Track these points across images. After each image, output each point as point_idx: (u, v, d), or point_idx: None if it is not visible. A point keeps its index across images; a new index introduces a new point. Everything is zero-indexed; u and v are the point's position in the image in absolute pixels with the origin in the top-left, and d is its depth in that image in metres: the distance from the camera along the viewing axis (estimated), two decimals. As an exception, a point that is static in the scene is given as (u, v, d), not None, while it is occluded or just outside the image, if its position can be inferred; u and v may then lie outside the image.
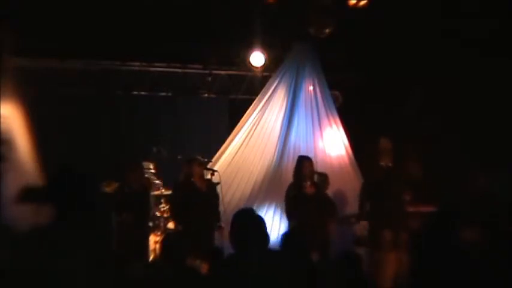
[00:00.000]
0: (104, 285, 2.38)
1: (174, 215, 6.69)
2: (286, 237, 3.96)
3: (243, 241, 3.25)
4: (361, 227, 6.37)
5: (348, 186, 7.25)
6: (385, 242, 6.05)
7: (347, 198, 7.04)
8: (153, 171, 7.49)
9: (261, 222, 3.35)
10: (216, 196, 6.53)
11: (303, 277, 3.21)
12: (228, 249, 5.65)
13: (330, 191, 6.80)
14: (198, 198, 6.27)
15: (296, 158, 6.74)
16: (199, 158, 6.65)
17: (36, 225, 2.32)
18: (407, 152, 6.36)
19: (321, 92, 8.08)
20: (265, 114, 7.99)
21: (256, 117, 7.99)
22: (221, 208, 6.56)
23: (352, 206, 7.01)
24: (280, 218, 6.95)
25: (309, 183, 6.28)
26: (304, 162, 6.33)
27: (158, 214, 7.27)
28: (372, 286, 4.27)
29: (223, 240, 6.15)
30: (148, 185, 7.04)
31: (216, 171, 6.74)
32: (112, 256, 2.46)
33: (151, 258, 6.74)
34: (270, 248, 3.40)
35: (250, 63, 8.25)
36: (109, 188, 6.85)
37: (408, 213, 6.13)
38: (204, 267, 5.17)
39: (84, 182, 2.41)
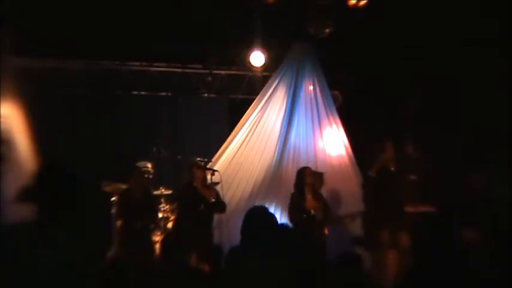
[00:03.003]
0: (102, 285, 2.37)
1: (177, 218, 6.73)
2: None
3: (255, 237, 3.28)
4: None
5: (347, 186, 7.25)
6: (385, 242, 6.06)
7: (347, 198, 7.05)
8: (151, 170, 7.46)
9: (273, 219, 3.39)
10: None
11: (307, 275, 3.22)
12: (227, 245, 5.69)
13: (329, 191, 6.80)
14: (198, 201, 6.28)
15: (296, 157, 6.74)
16: (199, 161, 6.65)
17: (24, 224, 2.31)
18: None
19: (321, 92, 8.08)
20: (265, 114, 7.99)
21: (256, 117, 7.98)
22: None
23: (351, 206, 7.02)
24: (280, 218, 6.95)
25: (310, 196, 6.28)
26: (304, 173, 6.34)
27: (158, 214, 7.26)
28: (372, 286, 4.27)
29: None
30: (150, 188, 7.03)
31: (216, 171, 6.74)
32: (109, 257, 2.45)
33: (151, 258, 6.73)
34: (279, 244, 3.42)
35: (250, 63, 8.25)
36: (109, 188, 6.85)
37: (408, 213, 6.14)
38: (204, 267, 5.18)
39: (71, 180, 2.39)
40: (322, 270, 3.48)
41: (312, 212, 6.22)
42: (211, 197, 6.38)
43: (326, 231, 6.35)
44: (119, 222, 6.46)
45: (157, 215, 6.90)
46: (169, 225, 7.12)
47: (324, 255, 5.84)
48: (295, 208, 6.22)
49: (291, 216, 6.31)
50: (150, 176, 7.33)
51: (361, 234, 7.00)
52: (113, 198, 6.88)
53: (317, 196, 6.33)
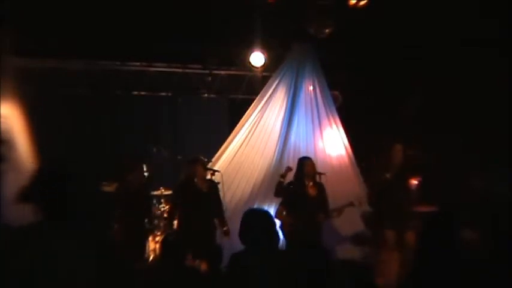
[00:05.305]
0: (102, 285, 2.37)
1: (171, 215, 6.67)
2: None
3: (254, 239, 3.27)
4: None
5: (347, 186, 7.25)
6: (388, 241, 6.07)
7: (347, 198, 7.03)
8: (146, 173, 7.41)
9: (272, 221, 3.39)
10: (217, 196, 6.49)
11: (310, 276, 3.22)
12: (229, 249, 5.68)
13: (329, 191, 6.78)
14: (198, 199, 6.25)
15: (296, 157, 6.73)
16: (202, 158, 6.62)
17: (28, 225, 2.31)
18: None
19: (321, 92, 8.09)
20: (265, 114, 8.00)
21: (256, 117, 7.99)
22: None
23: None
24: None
25: (311, 183, 6.27)
26: (305, 162, 6.32)
27: (158, 214, 7.25)
28: (374, 285, 4.26)
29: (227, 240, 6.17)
30: (148, 185, 7.02)
31: (218, 171, 6.70)
32: (111, 256, 2.45)
33: (151, 258, 6.73)
34: (279, 247, 3.43)
35: (250, 63, 8.25)
36: (109, 188, 6.83)
37: (411, 213, 6.13)
38: (203, 267, 5.18)
39: (78, 182, 2.39)
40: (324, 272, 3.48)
41: (310, 193, 6.22)
42: (210, 192, 6.35)
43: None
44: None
45: (151, 212, 6.84)
46: (170, 225, 7.10)
47: (323, 254, 5.83)
48: (295, 195, 6.21)
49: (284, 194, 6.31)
50: (146, 175, 7.30)
51: (355, 230, 7.03)
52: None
53: (317, 185, 6.33)
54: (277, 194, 6.45)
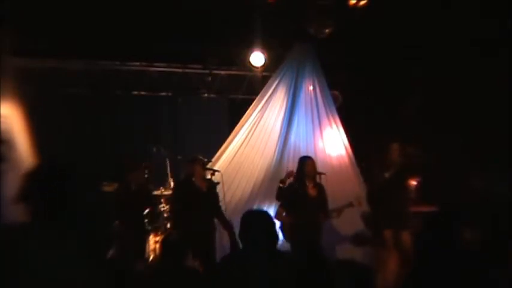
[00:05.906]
0: (102, 285, 2.37)
1: (174, 215, 6.67)
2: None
3: (253, 240, 3.27)
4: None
5: (347, 186, 7.25)
6: (387, 241, 6.07)
7: (347, 198, 7.04)
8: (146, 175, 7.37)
9: (271, 222, 3.39)
10: (216, 196, 6.49)
11: (310, 277, 3.22)
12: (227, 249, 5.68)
13: (328, 191, 6.79)
14: (197, 199, 6.24)
15: (296, 157, 6.73)
16: (202, 158, 6.62)
17: (27, 225, 2.31)
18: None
19: (321, 92, 8.08)
20: (265, 114, 7.99)
21: (256, 117, 7.99)
22: (222, 208, 6.55)
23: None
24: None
25: (311, 184, 6.27)
26: (306, 162, 6.32)
27: (158, 214, 7.24)
28: (374, 285, 4.27)
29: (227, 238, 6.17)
30: (148, 185, 7.02)
31: (218, 171, 6.70)
32: (109, 257, 2.45)
33: (151, 258, 6.73)
34: (278, 248, 3.43)
35: (250, 63, 8.25)
36: (109, 188, 6.84)
37: (410, 213, 6.14)
38: (203, 267, 5.17)
39: (76, 181, 2.38)
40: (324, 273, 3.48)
41: (311, 193, 6.21)
42: (210, 192, 6.34)
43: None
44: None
45: (151, 212, 6.84)
46: (170, 225, 7.11)
47: (322, 254, 5.84)
48: (295, 195, 6.19)
49: (284, 196, 6.30)
50: (146, 175, 7.30)
51: (355, 230, 7.03)
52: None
53: (317, 186, 6.32)
54: (278, 198, 6.44)
